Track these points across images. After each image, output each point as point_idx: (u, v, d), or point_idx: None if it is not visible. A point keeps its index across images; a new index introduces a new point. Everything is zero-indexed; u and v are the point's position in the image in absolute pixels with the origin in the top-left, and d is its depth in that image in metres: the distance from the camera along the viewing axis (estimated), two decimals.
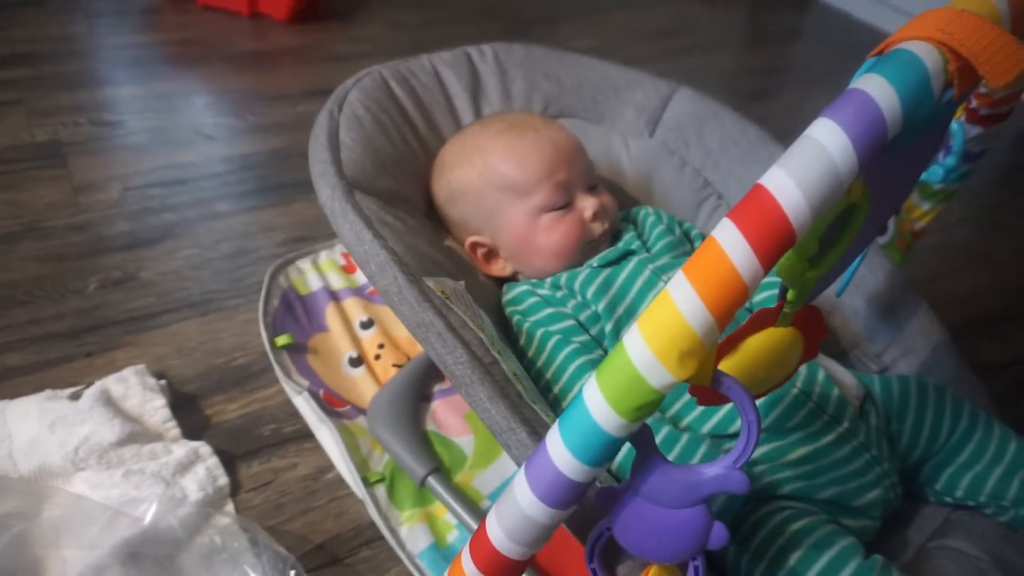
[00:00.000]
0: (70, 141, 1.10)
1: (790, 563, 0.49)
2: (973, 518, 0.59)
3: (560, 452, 0.34)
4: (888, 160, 0.38)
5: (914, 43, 0.32)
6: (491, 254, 0.72)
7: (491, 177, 0.69)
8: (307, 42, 1.50)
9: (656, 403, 0.33)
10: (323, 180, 0.59)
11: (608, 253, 0.68)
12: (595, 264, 0.67)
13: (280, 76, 1.38)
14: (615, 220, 0.72)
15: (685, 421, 0.57)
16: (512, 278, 0.73)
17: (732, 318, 0.32)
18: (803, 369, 0.59)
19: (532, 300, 0.66)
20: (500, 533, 0.37)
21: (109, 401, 0.68)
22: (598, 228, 0.69)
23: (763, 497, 0.55)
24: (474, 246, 0.72)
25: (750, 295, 0.32)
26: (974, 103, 0.61)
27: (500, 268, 0.72)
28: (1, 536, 0.55)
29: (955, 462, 0.60)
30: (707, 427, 0.57)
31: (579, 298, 0.65)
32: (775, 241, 0.31)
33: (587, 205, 0.69)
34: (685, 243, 0.72)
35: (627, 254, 0.68)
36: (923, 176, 0.69)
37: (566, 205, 0.69)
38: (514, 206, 0.69)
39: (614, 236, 0.72)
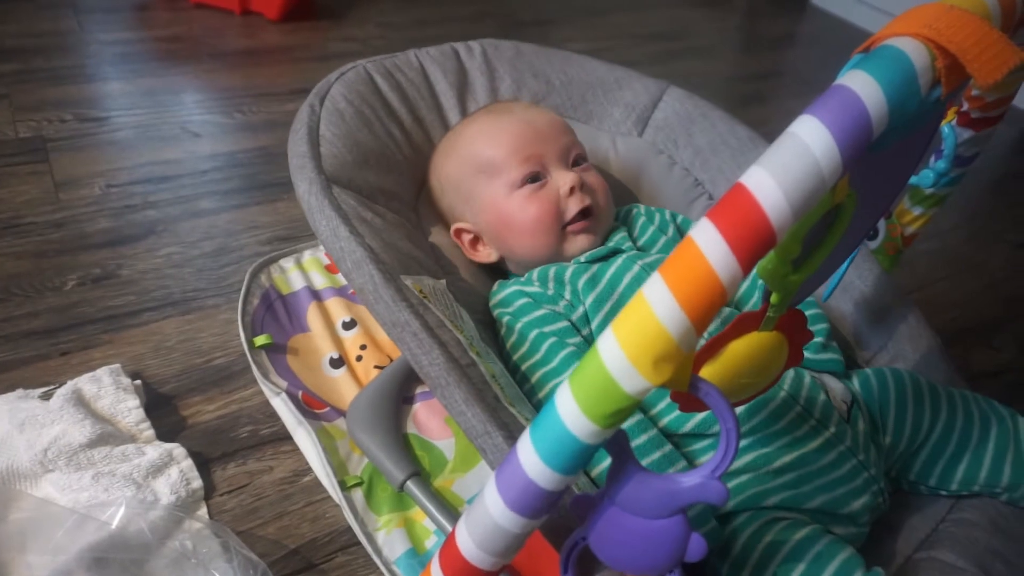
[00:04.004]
0: (54, 137, 1.08)
1: None
2: (961, 528, 0.58)
3: (531, 459, 0.33)
4: (875, 160, 0.36)
5: (901, 39, 0.31)
6: (476, 240, 0.72)
7: (466, 161, 0.70)
8: (298, 41, 1.49)
9: (630, 409, 0.32)
10: (301, 174, 0.58)
11: (597, 251, 0.67)
12: (582, 260, 0.66)
13: (270, 74, 1.37)
14: (602, 202, 0.70)
15: (663, 422, 0.56)
16: (499, 266, 0.73)
17: (710, 321, 0.31)
18: (790, 372, 0.58)
19: (523, 300, 0.65)
20: (470, 542, 0.36)
21: (80, 401, 0.66)
22: (575, 205, 0.67)
23: (750, 507, 0.53)
24: (458, 232, 0.72)
25: (728, 298, 0.30)
26: (965, 106, 0.60)
27: (486, 255, 0.72)
28: None
29: (944, 456, 0.60)
30: (688, 427, 0.55)
31: (568, 294, 0.64)
32: (755, 242, 0.30)
33: (565, 180, 0.67)
34: (678, 241, 0.71)
35: (615, 252, 0.67)
36: (914, 180, 0.68)
37: (541, 180, 0.68)
38: (489, 185, 0.69)
39: (604, 236, 0.71)
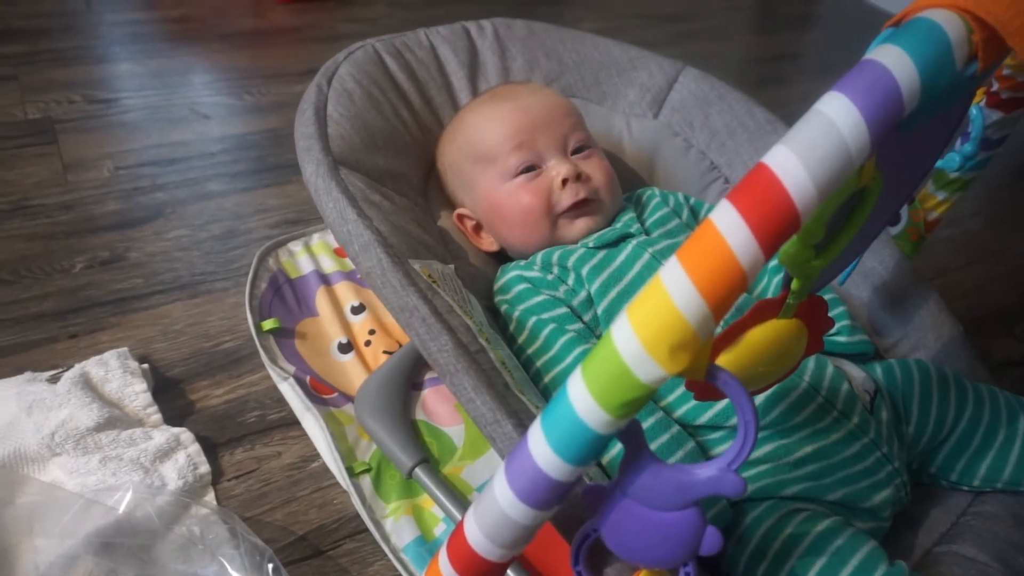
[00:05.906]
0: (63, 118, 1.08)
1: (812, 572, 0.46)
2: (983, 521, 0.57)
3: (542, 449, 0.32)
4: (903, 141, 0.35)
5: (935, 11, 0.30)
6: (478, 227, 0.72)
7: (464, 148, 0.70)
8: (306, 21, 1.47)
9: (645, 399, 0.30)
10: (308, 156, 0.57)
11: (605, 234, 0.66)
12: (591, 244, 0.65)
13: (278, 55, 1.36)
14: (603, 190, 0.68)
15: (678, 413, 0.55)
16: (502, 254, 0.72)
17: (729, 308, 0.30)
18: (811, 362, 0.56)
19: (522, 287, 0.64)
20: (478, 533, 0.35)
21: (88, 385, 0.66)
22: (568, 197, 0.66)
23: (768, 496, 0.52)
24: (461, 218, 0.72)
25: (749, 283, 0.29)
26: (995, 86, 0.58)
27: (489, 242, 0.72)
28: None
29: (968, 451, 0.58)
30: (703, 419, 0.54)
31: (571, 280, 0.63)
32: (778, 225, 0.28)
33: (560, 171, 0.66)
34: (692, 226, 0.69)
35: (625, 236, 0.65)
36: (939, 164, 0.66)
37: (534, 170, 0.67)
38: (484, 174, 0.68)
39: (611, 216, 0.69)
